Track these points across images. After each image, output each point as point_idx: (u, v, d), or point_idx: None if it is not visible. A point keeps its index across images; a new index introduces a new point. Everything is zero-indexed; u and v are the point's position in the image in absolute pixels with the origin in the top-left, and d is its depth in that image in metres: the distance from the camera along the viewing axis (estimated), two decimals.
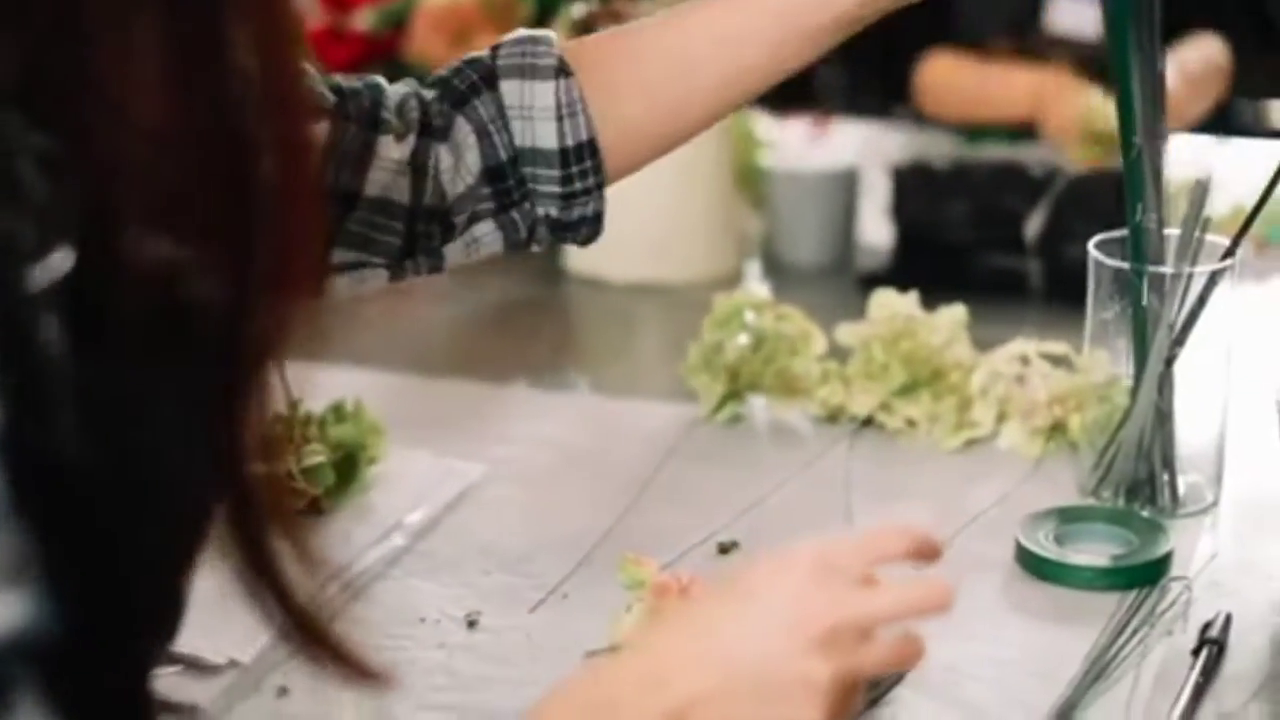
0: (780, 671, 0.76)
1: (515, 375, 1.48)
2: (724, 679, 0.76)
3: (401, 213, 1.04)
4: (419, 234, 1.05)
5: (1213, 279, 1.15)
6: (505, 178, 1.05)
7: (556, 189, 1.06)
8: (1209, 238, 1.16)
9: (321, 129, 1.01)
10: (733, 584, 0.80)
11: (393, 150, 1.03)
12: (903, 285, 1.36)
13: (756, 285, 1.73)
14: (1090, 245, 1.18)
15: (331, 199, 1.01)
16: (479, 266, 1.77)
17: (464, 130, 1.04)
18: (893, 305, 1.33)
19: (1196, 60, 2.09)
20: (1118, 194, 1.21)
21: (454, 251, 1.07)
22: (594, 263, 1.73)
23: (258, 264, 0.64)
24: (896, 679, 0.98)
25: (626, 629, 0.98)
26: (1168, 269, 1.14)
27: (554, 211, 1.07)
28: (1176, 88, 1.44)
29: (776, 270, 1.76)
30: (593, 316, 1.72)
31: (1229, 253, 1.16)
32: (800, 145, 2.01)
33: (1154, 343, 1.15)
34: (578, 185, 1.06)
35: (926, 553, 0.81)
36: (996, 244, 1.63)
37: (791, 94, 2.38)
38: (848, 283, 1.68)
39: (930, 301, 1.35)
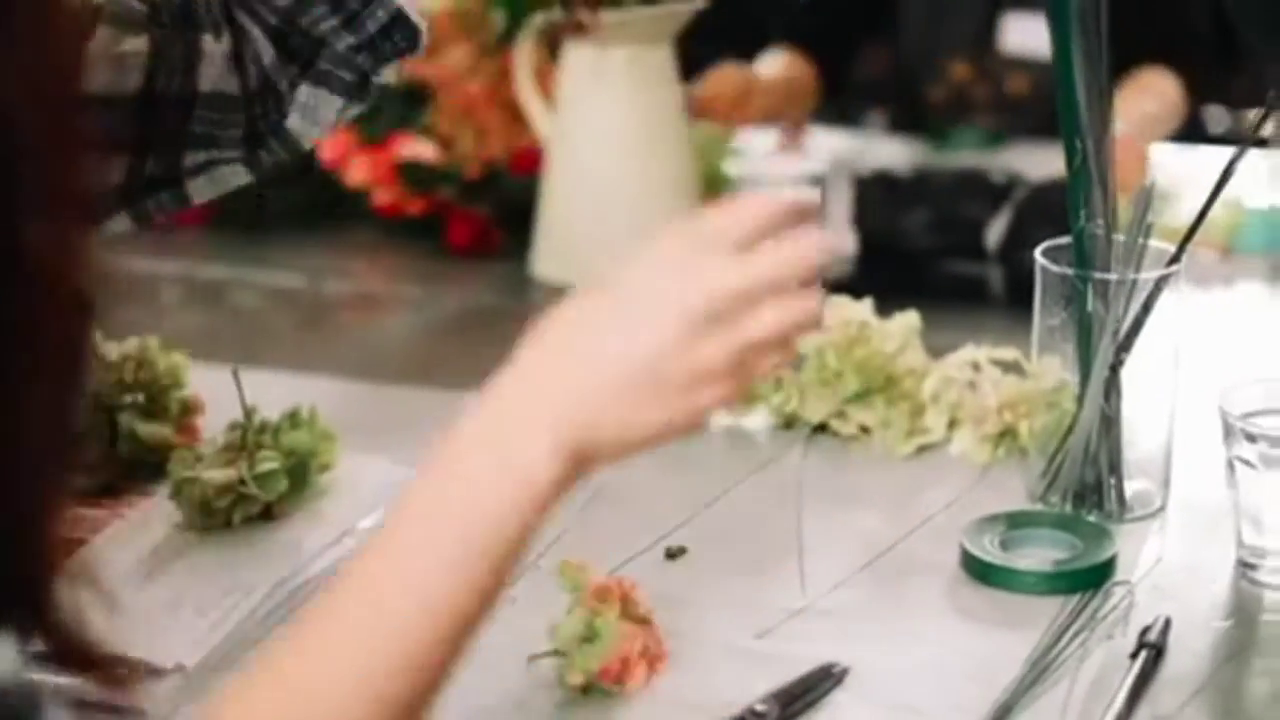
0: (674, 363, 0.76)
1: (477, 383, 1.48)
2: (619, 385, 0.76)
3: (237, 103, 1.07)
4: (257, 117, 1.08)
5: (1158, 285, 1.16)
6: (290, 36, 1.07)
7: (335, 21, 1.06)
8: (1155, 244, 1.17)
9: (140, 42, 1.04)
10: (606, 288, 0.78)
11: (214, 46, 1.06)
12: (866, 293, 1.37)
13: None
14: (1037, 252, 1.18)
15: (169, 105, 1.05)
16: (446, 274, 1.80)
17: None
18: (847, 312, 1.33)
19: (1147, 102, 2.10)
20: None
21: (296, 125, 1.09)
22: (561, 271, 1.74)
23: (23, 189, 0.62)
24: (833, 683, 0.98)
25: (565, 633, 0.99)
26: (1112, 275, 1.15)
27: (351, 39, 1.06)
28: (1126, 134, 1.45)
29: None
30: None
31: (1174, 259, 1.16)
32: (767, 154, 2.02)
33: (1099, 349, 1.16)
34: (352, 5, 1.06)
35: (798, 216, 0.80)
36: (958, 251, 1.64)
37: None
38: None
39: (893, 309, 1.36)
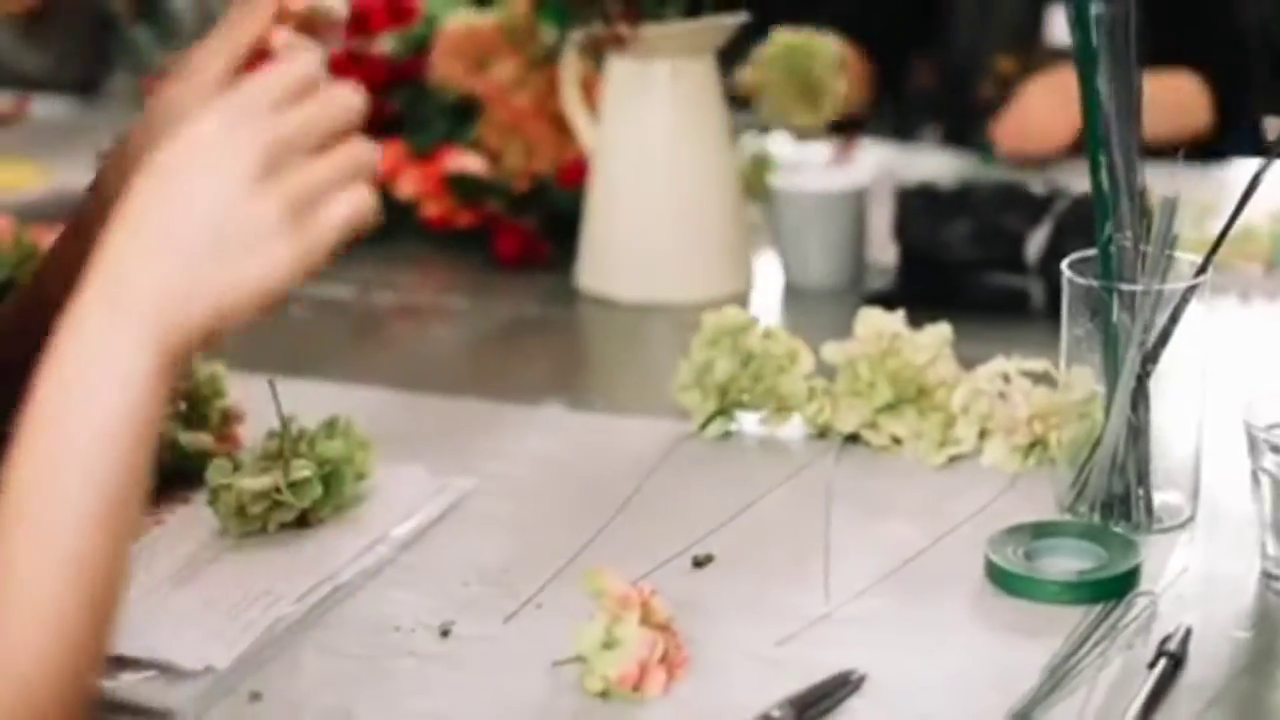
0: (233, 224, 0.78)
1: (518, 393, 1.50)
2: (188, 257, 0.78)
3: None
4: None
5: (1185, 296, 1.16)
6: None
7: None
8: (1182, 255, 1.18)
9: None
10: (157, 168, 0.80)
11: None
12: (907, 305, 1.38)
13: (765, 306, 1.75)
14: (1064, 264, 1.19)
15: None
16: (493, 286, 1.81)
17: None
18: (879, 323, 1.34)
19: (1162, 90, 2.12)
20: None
21: None
22: (603, 283, 1.75)
23: None
24: (850, 690, 0.99)
25: (586, 639, 1.00)
26: (1138, 286, 1.15)
27: None
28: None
29: (787, 291, 1.78)
30: (600, 336, 1.75)
31: (1200, 270, 1.17)
32: (813, 166, 2.03)
33: (1125, 360, 1.16)
34: None
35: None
36: (999, 264, 1.64)
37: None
38: (857, 303, 1.70)
39: (933, 320, 1.37)
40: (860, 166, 2.12)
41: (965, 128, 2.35)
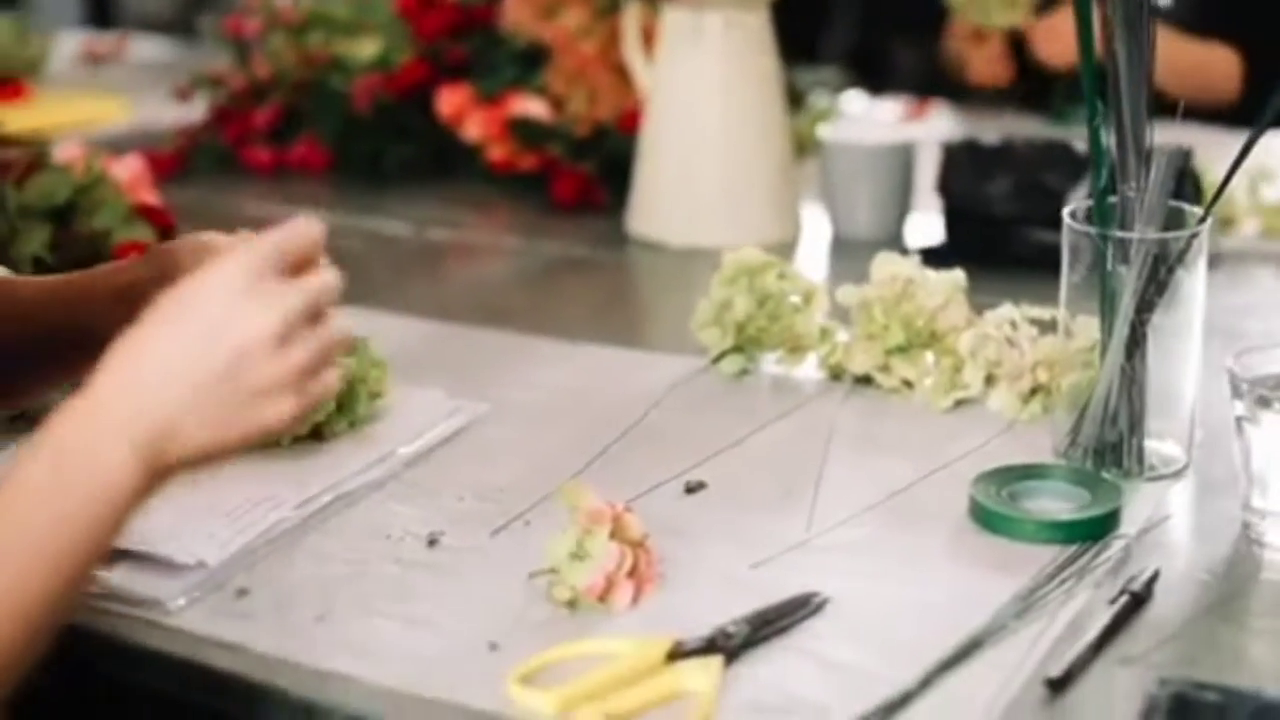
0: (251, 375, 0.88)
1: (555, 328, 1.54)
2: (194, 398, 0.87)
3: None
4: None
5: (1187, 246, 1.17)
6: None
7: None
8: (1186, 206, 1.18)
9: None
10: (182, 306, 0.89)
11: None
12: (952, 260, 1.40)
13: (812, 255, 1.77)
14: (1065, 211, 1.20)
15: None
16: (547, 228, 1.85)
17: None
18: (894, 267, 1.36)
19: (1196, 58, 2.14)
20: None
21: None
22: (651, 227, 1.78)
23: None
24: (810, 612, 1.02)
25: (559, 549, 1.03)
26: (1134, 235, 1.16)
27: None
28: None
29: (835, 242, 1.80)
30: (643, 278, 1.78)
31: (1200, 221, 1.18)
32: (890, 123, 2.05)
33: (1120, 308, 1.17)
34: None
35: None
36: (1040, 219, 1.65)
37: (889, 79, 2.44)
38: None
39: (975, 274, 1.39)
40: (929, 126, 2.14)
41: (1042, 90, 2.36)
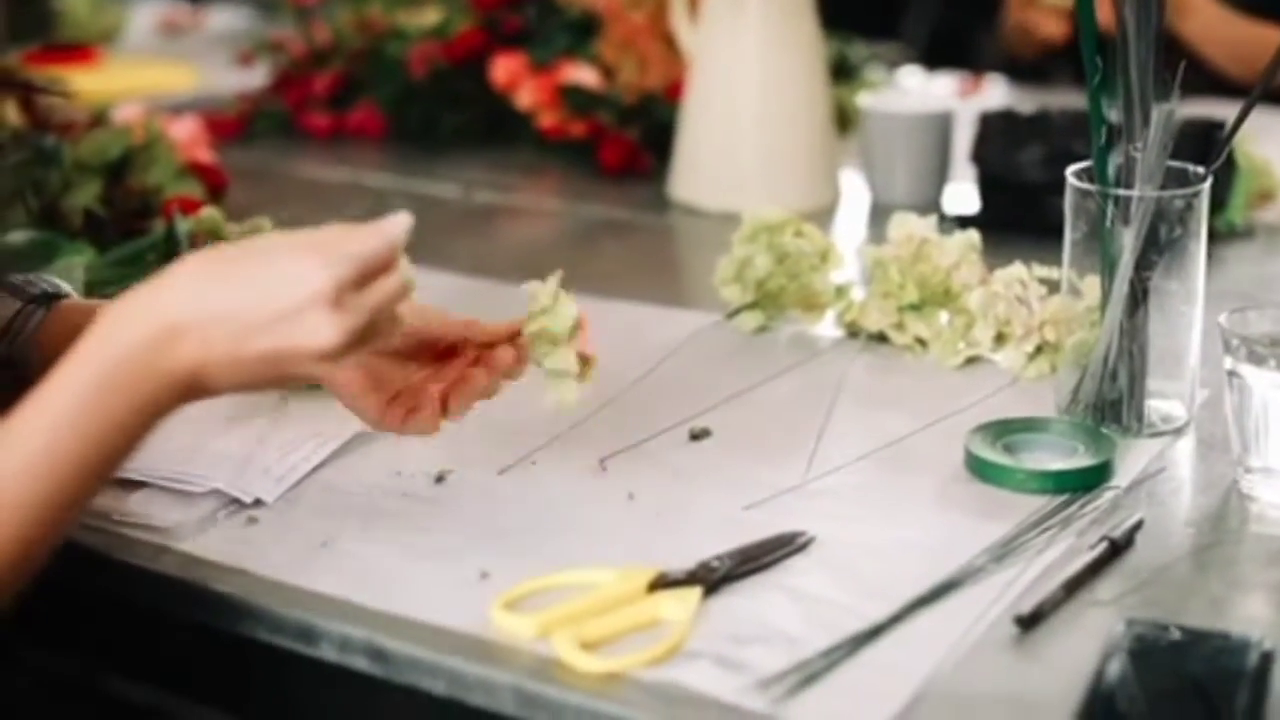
0: (295, 326, 0.91)
1: (589, 286, 1.57)
2: (241, 334, 0.91)
3: None
4: None
5: (1189, 205, 1.19)
6: None
7: None
8: (1188, 166, 1.20)
9: None
10: (255, 248, 0.93)
11: None
12: (983, 227, 1.42)
13: (851, 221, 1.80)
14: (1068, 171, 1.22)
15: None
16: (592, 192, 1.89)
17: None
18: (910, 227, 1.38)
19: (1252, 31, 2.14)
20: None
21: None
22: (691, 193, 1.82)
23: None
24: (793, 550, 1.05)
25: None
26: (1134, 193, 1.18)
27: None
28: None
29: (873, 208, 1.82)
30: (681, 241, 1.81)
31: (1200, 179, 1.19)
32: (946, 94, 2.06)
33: (1119, 267, 1.19)
34: None
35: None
36: None
37: (951, 54, 2.45)
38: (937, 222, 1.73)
39: (1008, 241, 1.42)
40: (985, 99, 2.16)
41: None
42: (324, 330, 0.91)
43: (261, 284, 0.91)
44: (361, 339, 0.93)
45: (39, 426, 0.89)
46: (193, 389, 0.92)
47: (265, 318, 0.90)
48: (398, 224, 0.95)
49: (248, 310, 0.91)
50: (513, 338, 1.12)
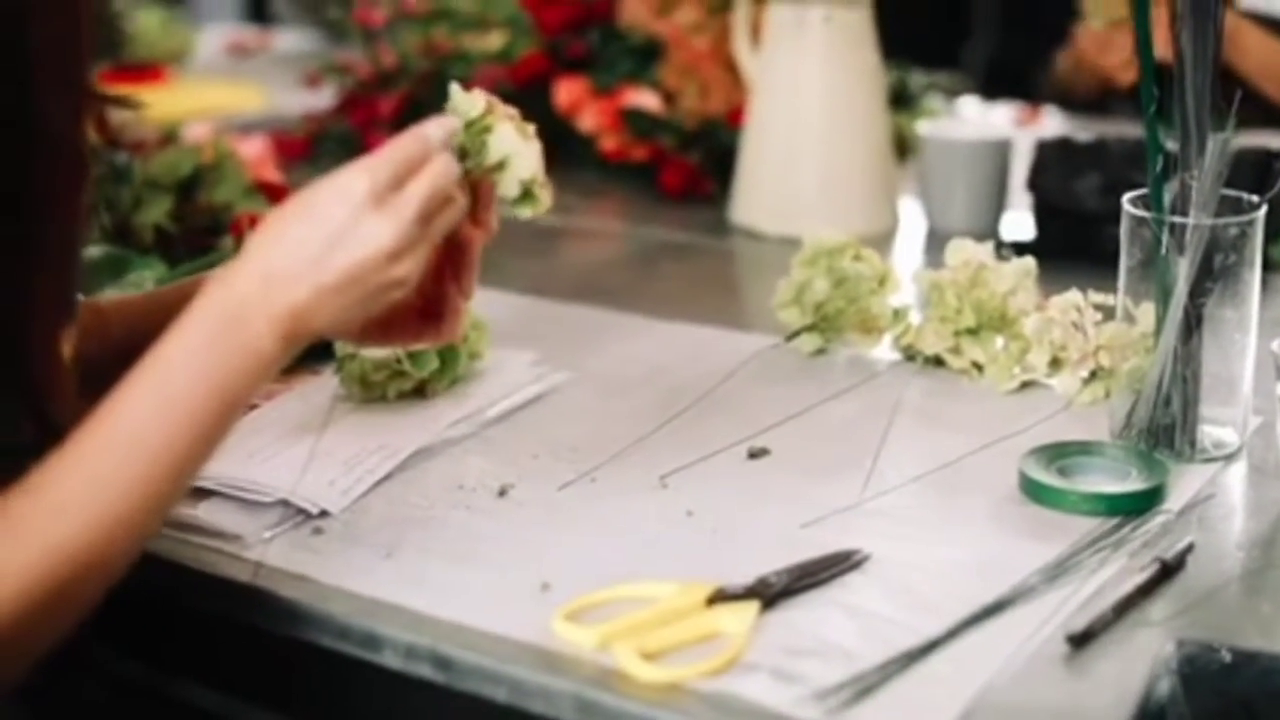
0: (357, 244, 0.95)
1: (648, 307, 1.60)
2: (323, 273, 0.95)
3: None
4: None
5: (1243, 233, 1.20)
6: None
7: None
8: (1241, 194, 1.21)
9: None
10: (302, 200, 0.98)
11: None
12: (1039, 255, 1.44)
13: (908, 247, 1.82)
14: (1125, 199, 1.24)
15: None
16: (654, 215, 1.92)
17: None
18: (967, 252, 1.40)
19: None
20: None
21: None
22: (752, 217, 1.84)
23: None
24: (849, 567, 1.06)
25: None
26: (1189, 220, 1.20)
27: None
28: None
29: (930, 234, 1.84)
30: (740, 264, 1.84)
31: (1255, 206, 1.21)
32: (973, 121, 2.08)
33: (1174, 294, 1.20)
34: None
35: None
36: None
37: (1009, 84, 2.47)
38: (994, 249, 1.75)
39: (1064, 269, 1.44)
40: (1042, 129, 2.17)
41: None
42: (378, 231, 0.96)
43: (317, 214, 0.96)
44: (422, 228, 0.97)
45: (161, 379, 0.93)
46: (297, 331, 0.96)
47: (328, 239, 0.95)
48: (439, 123, 1.00)
49: (313, 239, 0.95)
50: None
